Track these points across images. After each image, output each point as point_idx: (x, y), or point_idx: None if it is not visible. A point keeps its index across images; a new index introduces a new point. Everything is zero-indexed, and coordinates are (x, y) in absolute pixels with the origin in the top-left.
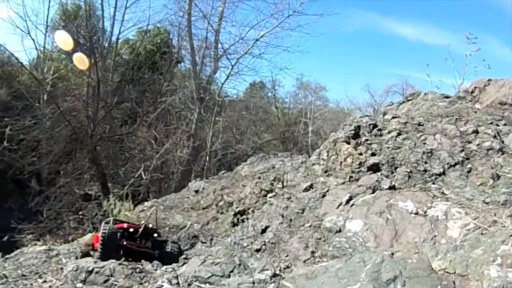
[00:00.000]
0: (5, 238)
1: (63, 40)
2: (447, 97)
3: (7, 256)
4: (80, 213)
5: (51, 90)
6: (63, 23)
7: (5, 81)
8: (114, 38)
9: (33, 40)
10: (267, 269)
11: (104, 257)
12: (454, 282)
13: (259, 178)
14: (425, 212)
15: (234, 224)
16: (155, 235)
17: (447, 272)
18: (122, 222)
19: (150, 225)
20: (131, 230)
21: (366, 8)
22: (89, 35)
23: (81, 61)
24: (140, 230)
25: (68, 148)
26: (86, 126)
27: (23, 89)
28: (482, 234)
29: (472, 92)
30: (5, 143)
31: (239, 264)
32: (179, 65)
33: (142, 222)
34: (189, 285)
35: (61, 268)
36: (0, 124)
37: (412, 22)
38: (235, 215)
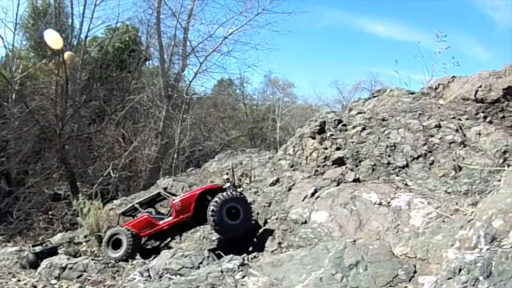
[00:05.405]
0: None
1: (53, 39)
2: (412, 93)
3: None
4: (50, 213)
5: (19, 89)
6: (32, 21)
7: None
8: (83, 36)
9: (1, 38)
10: (235, 259)
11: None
12: (415, 266)
13: (227, 174)
14: (389, 202)
15: None
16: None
17: (408, 257)
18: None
19: (228, 184)
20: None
21: (336, 6)
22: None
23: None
24: (228, 185)
25: (36, 148)
26: (55, 125)
27: None
28: (443, 221)
29: (436, 88)
30: None
31: (208, 256)
32: (147, 63)
33: (225, 177)
34: (160, 277)
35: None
36: None
37: (383, 20)
38: None
